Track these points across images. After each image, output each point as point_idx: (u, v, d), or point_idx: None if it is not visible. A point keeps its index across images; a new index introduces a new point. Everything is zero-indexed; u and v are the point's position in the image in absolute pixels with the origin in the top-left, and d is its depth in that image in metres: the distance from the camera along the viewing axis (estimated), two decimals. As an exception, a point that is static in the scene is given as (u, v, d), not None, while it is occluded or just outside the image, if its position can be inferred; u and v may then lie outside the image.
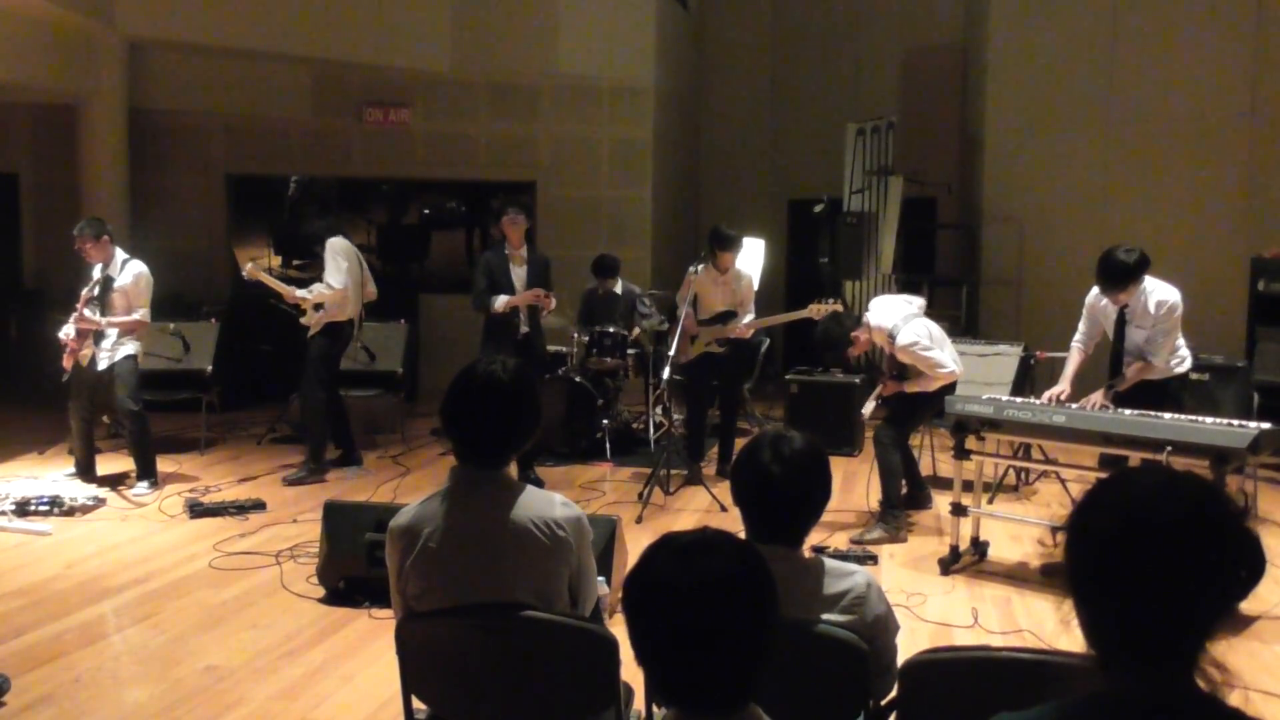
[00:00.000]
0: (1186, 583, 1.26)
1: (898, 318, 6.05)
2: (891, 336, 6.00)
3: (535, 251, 7.24)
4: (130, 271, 6.85)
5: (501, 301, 6.95)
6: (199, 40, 9.90)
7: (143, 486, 6.85)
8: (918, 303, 6.31)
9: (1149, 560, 1.27)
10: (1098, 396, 5.44)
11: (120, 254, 6.89)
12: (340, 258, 7.22)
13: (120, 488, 6.95)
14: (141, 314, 6.89)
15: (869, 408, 6.39)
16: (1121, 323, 5.53)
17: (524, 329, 7.12)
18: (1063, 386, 5.60)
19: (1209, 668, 1.28)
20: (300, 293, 7.20)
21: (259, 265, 7.37)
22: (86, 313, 6.72)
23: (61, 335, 6.81)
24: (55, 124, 10.42)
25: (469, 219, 12.05)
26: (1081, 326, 5.82)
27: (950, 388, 6.15)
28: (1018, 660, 2.20)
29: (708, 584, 1.54)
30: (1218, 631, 1.29)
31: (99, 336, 6.80)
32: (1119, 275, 5.31)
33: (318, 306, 7.20)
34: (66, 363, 6.78)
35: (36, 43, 8.88)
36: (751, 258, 9.25)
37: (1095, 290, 5.63)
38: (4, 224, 11.02)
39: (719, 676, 1.55)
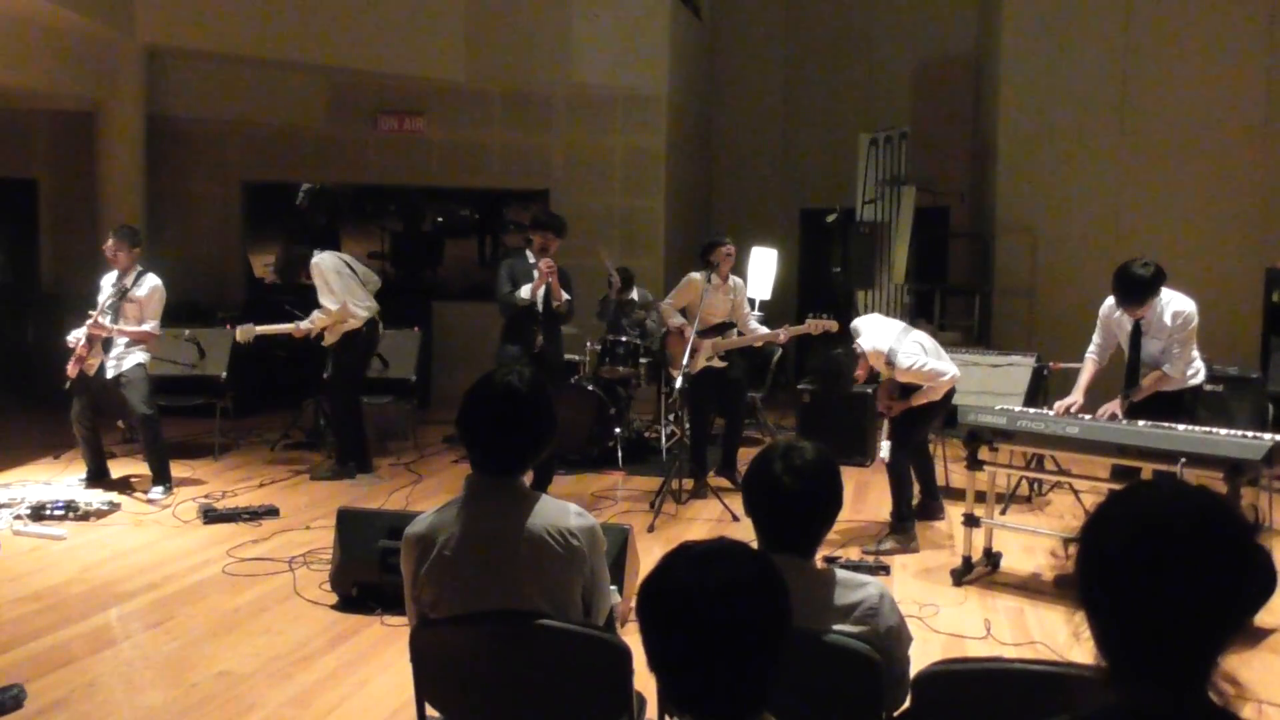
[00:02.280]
0: (1196, 597, 1.27)
1: (891, 339, 5.95)
2: (890, 361, 5.93)
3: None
4: (147, 284, 6.91)
5: (527, 289, 6.68)
6: (217, 48, 9.98)
7: (157, 491, 6.89)
8: (895, 320, 6.33)
9: (1159, 574, 1.28)
10: (1113, 405, 5.41)
11: (137, 265, 6.96)
12: (329, 274, 7.24)
13: (134, 492, 6.99)
14: (152, 326, 6.94)
15: (885, 447, 6.31)
16: (1137, 334, 5.50)
17: (540, 341, 6.82)
18: (1075, 398, 5.56)
19: (1221, 682, 1.29)
20: (304, 325, 7.24)
21: (248, 330, 7.21)
22: (102, 320, 6.77)
23: (71, 340, 6.84)
24: (74, 131, 10.50)
25: (482, 227, 12.08)
26: (1095, 338, 5.79)
27: (950, 393, 6.14)
28: (1030, 672, 2.20)
29: (721, 592, 1.55)
30: (1229, 645, 1.29)
31: (107, 345, 6.84)
32: (1136, 290, 5.28)
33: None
34: (72, 370, 6.82)
35: (56, 50, 8.96)
36: (764, 268, 9.27)
37: (1109, 302, 5.60)
38: (23, 229, 11.10)
39: (732, 685, 1.55)
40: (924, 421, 6.21)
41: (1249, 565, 1.29)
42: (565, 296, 6.81)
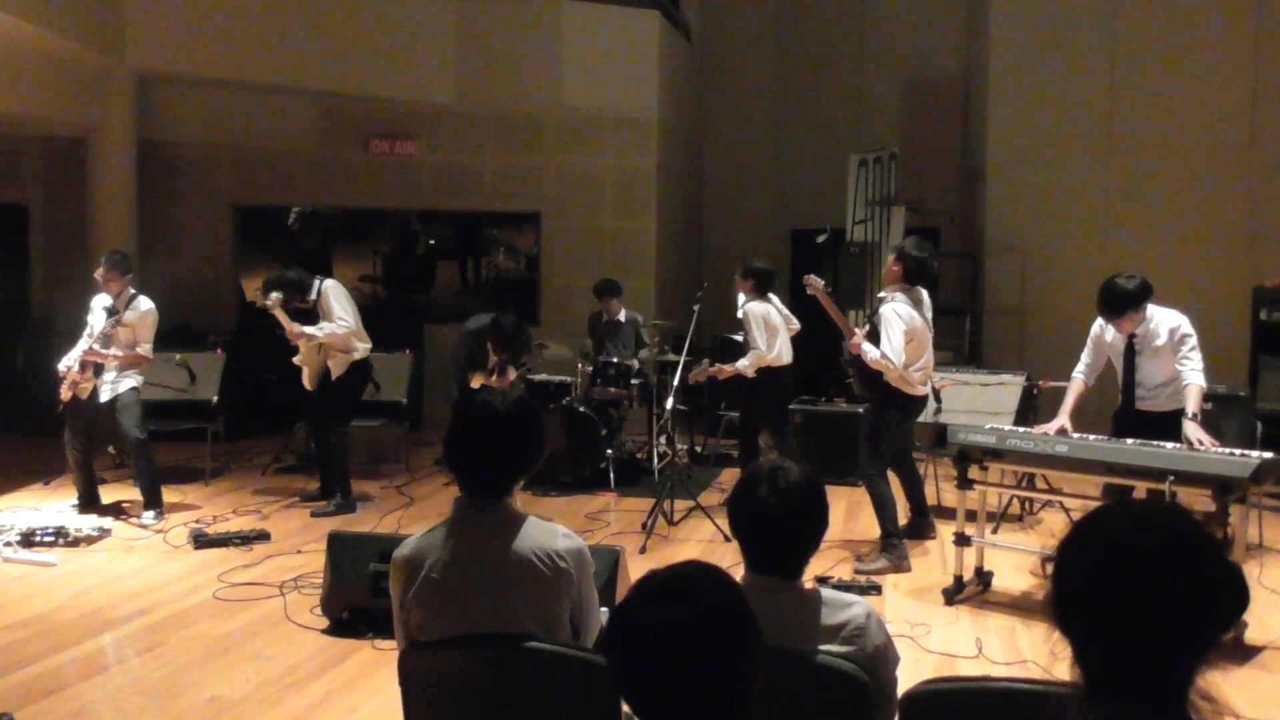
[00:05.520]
0: (1167, 614, 1.28)
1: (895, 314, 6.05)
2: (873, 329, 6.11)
3: (521, 324, 7.93)
4: (139, 307, 6.92)
5: (477, 379, 7.56)
6: (208, 74, 10.00)
7: (149, 516, 6.87)
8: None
9: (1127, 593, 1.29)
10: (1197, 430, 5.10)
11: (130, 289, 6.96)
12: (345, 299, 7.25)
13: (128, 517, 6.96)
14: (145, 349, 6.95)
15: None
16: (1131, 354, 5.49)
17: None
18: (1060, 421, 5.45)
19: (1198, 699, 1.30)
20: (310, 330, 7.04)
21: (275, 300, 7.19)
22: (97, 346, 6.77)
23: (61, 367, 6.83)
24: (65, 156, 10.52)
25: (464, 249, 12.11)
26: (1085, 357, 5.74)
27: (919, 406, 6.21)
28: (1017, 690, 2.21)
29: (678, 630, 1.53)
30: (1204, 662, 1.30)
31: (99, 369, 6.84)
32: (1117, 302, 5.31)
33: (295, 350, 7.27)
34: (65, 395, 6.81)
35: (47, 76, 8.98)
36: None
37: (1101, 321, 5.62)
38: (13, 255, 11.09)
39: (702, 715, 1.55)
40: (887, 431, 6.19)
41: (1219, 582, 1.31)
42: (511, 378, 7.60)
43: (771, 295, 7.37)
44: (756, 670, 1.58)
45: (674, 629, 1.54)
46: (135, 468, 7.03)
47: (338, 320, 7.12)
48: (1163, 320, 5.39)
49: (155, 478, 7.02)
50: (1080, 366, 5.74)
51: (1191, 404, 5.25)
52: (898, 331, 5.90)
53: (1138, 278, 5.34)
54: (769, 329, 7.14)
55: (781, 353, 7.25)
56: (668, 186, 11.65)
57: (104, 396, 6.86)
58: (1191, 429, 5.13)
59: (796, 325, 7.57)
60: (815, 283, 6.41)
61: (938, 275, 6.35)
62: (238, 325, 10.86)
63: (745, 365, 7.17)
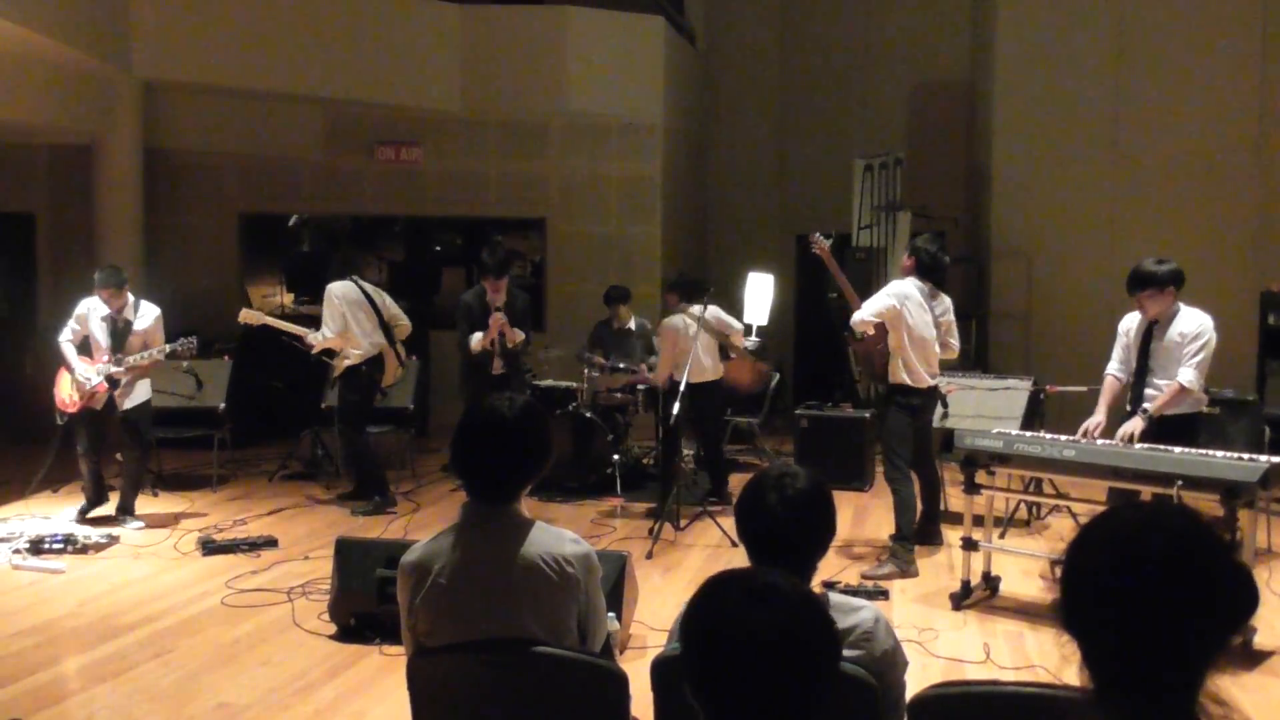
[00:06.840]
0: (1176, 617, 1.28)
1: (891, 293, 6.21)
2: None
3: (511, 289, 7.64)
4: (149, 314, 6.97)
5: (476, 340, 7.41)
6: (213, 82, 10.04)
7: (136, 523, 6.92)
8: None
9: (1138, 595, 1.29)
10: (1132, 425, 5.25)
11: (130, 296, 6.97)
12: (335, 303, 7.32)
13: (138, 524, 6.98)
14: (162, 351, 6.99)
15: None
16: (1147, 339, 5.43)
17: (499, 370, 7.52)
18: (1099, 418, 5.43)
19: (1208, 702, 1.29)
20: (312, 338, 7.37)
21: (256, 315, 7.52)
22: (133, 360, 6.78)
23: (94, 381, 6.80)
24: (72, 165, 10.55)
25: (468, 255, 12.11)
26: (1114, 354, 5.67)
27: (924, 401, 6.20)
28: (1025, 694, 2.20)
29: (779, 640, 1.52)
30: (1214, 664, 1.30)
31: (115, 379, 6.85)
32: (1138, 279, 5.33)
33: (332, 353, 7.36)
34: (74, 407, 6.83)
35: (54, 85, 9.01)
36: (760, 293, 9.30)
37: (1128, 315, 5.60)
38: (21, 263, 11.11)
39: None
40: (891, 428, 6.17)
41: (1228, 584, 1.30)
42: (520, 337, 7.52)
43: (697, 306, 7.42)
44: (825, 692, 1.56)
45: (753, 635, 1.52)
46: (132, 473, 7.06)
47: (321, 330, 7.34)
48: (1190, 317, 5.34)
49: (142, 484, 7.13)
50: (1111, 365, 5.67)
51: (1158, 401, 5.27)
52: (883, 294, 6.09)
53: (1171, 263, 5.35)
54: (675, 346, 7.36)
55: (689, 370, 7.06)
56: (673, 192, 11.66)
57: (125, 405, 6.91)
58: (1131, 424, 5.21)
59: (738, 328, 7.75)
60: (820, 241, 6.39)
61: (947, 270, 6.41)
62: (244, 332, 10.85)
63: (650, 375, 7.71)
